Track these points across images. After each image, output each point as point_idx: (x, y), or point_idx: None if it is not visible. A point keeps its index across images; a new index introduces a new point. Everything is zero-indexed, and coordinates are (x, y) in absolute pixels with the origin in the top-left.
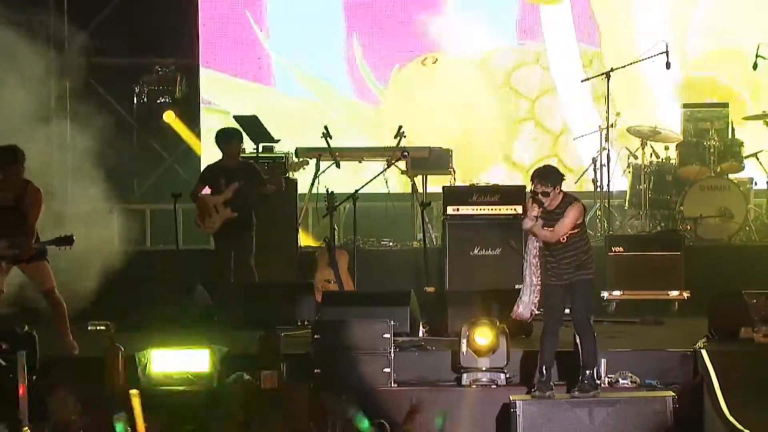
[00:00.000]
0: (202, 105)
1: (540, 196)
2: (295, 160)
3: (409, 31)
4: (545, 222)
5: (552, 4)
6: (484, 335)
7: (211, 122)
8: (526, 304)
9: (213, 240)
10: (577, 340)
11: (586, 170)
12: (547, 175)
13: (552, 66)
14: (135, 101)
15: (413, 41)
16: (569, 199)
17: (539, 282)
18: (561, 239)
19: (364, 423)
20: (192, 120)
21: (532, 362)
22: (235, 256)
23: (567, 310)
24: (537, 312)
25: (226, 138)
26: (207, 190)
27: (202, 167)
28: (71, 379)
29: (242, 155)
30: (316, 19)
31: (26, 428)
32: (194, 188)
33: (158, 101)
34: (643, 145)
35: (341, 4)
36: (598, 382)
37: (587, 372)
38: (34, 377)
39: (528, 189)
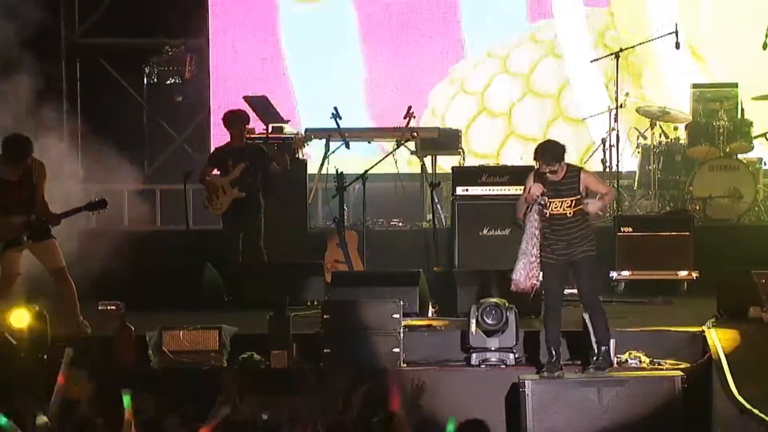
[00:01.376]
0: (212, 85)
1: (548, 175)
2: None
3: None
4: (554, 194)
5: None
6: (492, 310)
7: (221, 101)
8: (525, 275)
9: (221, 221)
10: (587, 319)
11: (596, 150)
12: (553, 152)
13: (564, 48)
14: (145, 81)
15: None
16: (574, 168)
17: (540, 254)
18: (568, 213)
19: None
20: (200, 101)
21: (540, 342)
22: (244, 237)
23: (566, 291)
24: (537, 284)
25: (232, 119)
26: (216, 173)
27: (212, 147)
28: (82, 358)
29: (252, 135)
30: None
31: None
32: (202, 170)
33: (168, 81)
34: (652, 126)
35: None
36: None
37: (602, 349)
38: (45, 356)
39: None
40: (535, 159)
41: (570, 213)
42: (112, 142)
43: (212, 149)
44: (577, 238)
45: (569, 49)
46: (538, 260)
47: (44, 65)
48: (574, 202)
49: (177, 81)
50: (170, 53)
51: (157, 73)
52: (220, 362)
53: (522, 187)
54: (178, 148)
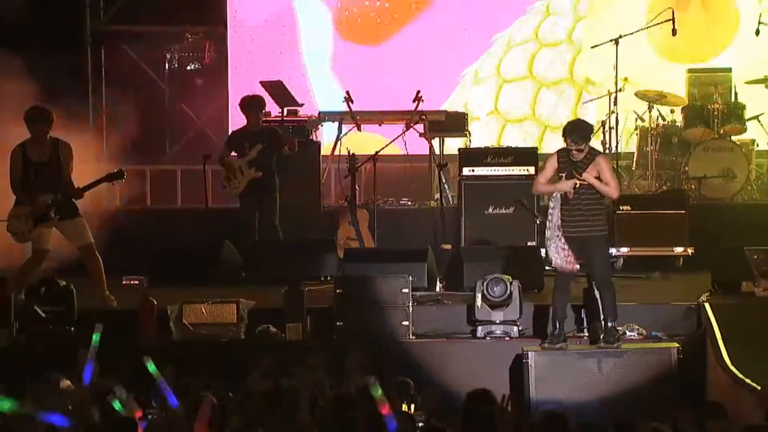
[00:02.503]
0: (230, 72)
1: (574, 152)
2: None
3: None
4: (569, 174)
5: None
6: (497, 285)
7: (239, 86)
8: (565, 260)
9: (239, 200)
10: (598, 296)
11: (595, 132)
12: (583, 130)
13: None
14: (167, 67)
15: None
16: (595, 150)
17: (561, 237)
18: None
19: None
20: (220, 85)
21: (543, 315)
22: (260, 216)
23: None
24: (577, 266)
25: (248, 104)
26: (233, 155)
27: (230, 130)
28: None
29: (268, 119)
30: None
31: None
32: (221, 153)
33: (188, 67)
34: (650, 109)
35: None
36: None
37: (609, 324)
38: (72, 329)
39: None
40: (563, 136)
41: (582, 190)
42: (136, 125)
43: (230, 132)
44: (587, 217)
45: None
46: (563, 241)
47: (71, 51)
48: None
49: (197, 66)
50: (190, 40)
51: (178, 59)
52: (238, 335)
53: (524, 167)
54: (198, 130)
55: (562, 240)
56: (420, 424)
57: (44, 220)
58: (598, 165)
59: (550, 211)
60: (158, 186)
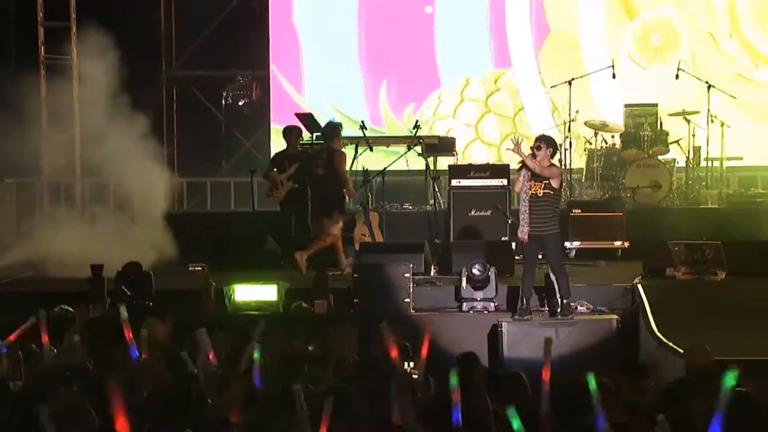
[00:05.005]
0: (272, 105)
1: (534, 151)
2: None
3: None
4: (535, 179)
5: None
6: (478, 270)
7: (278, 117)
8: (523, 230)
9: (279, 206)
10: (553, 280)
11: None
12: (546, 138)
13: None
14: (223, 102)
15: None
16: (554, 164)
17: (527, 212)
18: (539, 194)
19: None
20: (263, 116)
21: (514, 294)
22: (296, 218)
23: (540, 256)
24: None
25: (288, 132)
26: (275, 171)
27: (272, 152)
28: (175, 307)
29: (301, 143)
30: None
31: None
32: (267, 169)
33: (239, 102)
34: (595, 134)
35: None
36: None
37: (564, 301)
38: (150, 303)
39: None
40: (537, 141)
41: (541, 194)
42: (199, 147)
43: (272, 153)
44: (545, 217)
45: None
46: (527, 216)
47: (151, 91)
48: (544, 185)
49: (246, 101)
50: (241, 81)
51: (232, 96)
52: (278, 309)
53: (499, 179)
54: (246, 151)
55: (525, 215)
56: (415, 377)
57: None
58: (551, 167)
59: (523, 194)
60: (216, 194)
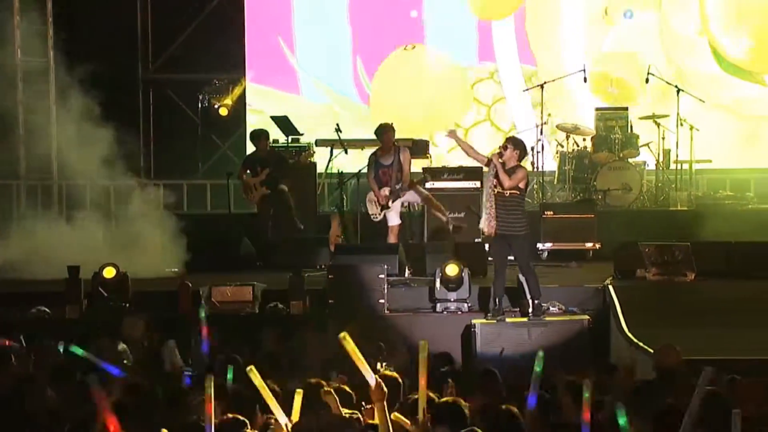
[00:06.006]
0: (247, 108)
1: (501, 149)
2: (313, 151)
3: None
4: (499, 178)
5: (496, 18)
6: (452, 270)
7: (254, 120)
8: (485, 222)
9: (256, 207)
10: (523, 281)
11: (526, 155)
12: (513, 139)
13: (503, 81)
14: (199, 105)
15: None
16: (521, 167)
17: (492, 207)
18: (506, 191)
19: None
20: (239, 119)
21: (487, 295)
22: (275, 216)
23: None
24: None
25: (256, 136)
26: (248, 172)
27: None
28: (152, 306)
29: (277, 145)
30: (331, 42)
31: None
32: (239, 171)
33: (216, 106)
34: (567, 138)
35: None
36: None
37: (536, 302)
38: (127, 305)
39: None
40: (505, 142)
41: (507, 193)
42: (176, 150)
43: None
44: (513, 217)
45: (507, 83)
46: (492, 211)
47: (128, 94)
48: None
49: (222, 105)
50: (217, 84)
51: (208, 99)
52: (253, 310)
53: (472, 182)
54: (223, 154)
55: (489, 209)
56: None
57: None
58: (517, 168)
59: (487, 186)
60: (192, 196)
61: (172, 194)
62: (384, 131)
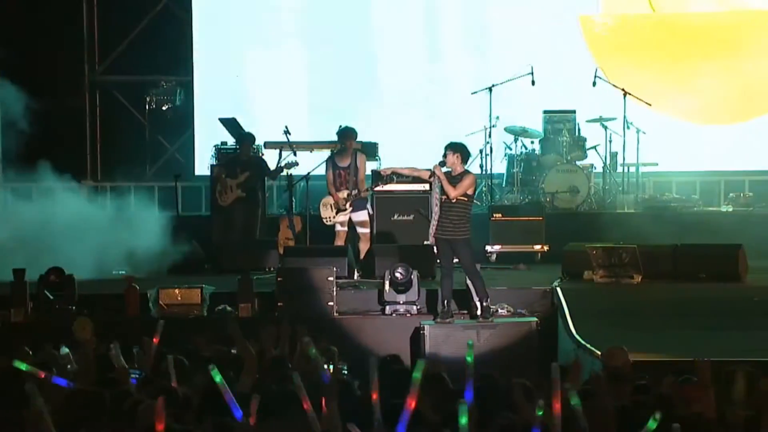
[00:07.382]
0: (195, 109)
1: (443, 157)
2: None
3: None
4: (449, 182)
5: None
6: (401, 273)
7: (202, 122)
8: (432, 227)
9: (226, 209)
10: (469, 283)
11: (474, 158)
12: (450, 145)
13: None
14: (147, 107)
15: None
16: (468, 172)
17: (438, 213)
18: (452, 199)
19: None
20: (187, 121)
21: (436, 298)
22: (244, 223)
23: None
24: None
25: (241, 139)
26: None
27: (196, 156)
28: (100, 309)
29: (225, 147)
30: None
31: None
32: (218, 170)
33: (163, 107)
34: (515, 140)
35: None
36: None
37: (483, 304)
38: (73, 308)
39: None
40: (445, 150)
41: (454, 200)
42: (123, 151)
43: (196, 158)
44: (455, 222)
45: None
46: (437, 219)
47: (74, 96)
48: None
49: (170, 107)
50: (165, 86)
51: (156, 101)
52: (201, 312)
53: (421, 185)
54: (171, 156)
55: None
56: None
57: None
58: (464, 175)
59: (433, 195)
60: (140, 198)
61: (120, 196)
62: (348, 135)
